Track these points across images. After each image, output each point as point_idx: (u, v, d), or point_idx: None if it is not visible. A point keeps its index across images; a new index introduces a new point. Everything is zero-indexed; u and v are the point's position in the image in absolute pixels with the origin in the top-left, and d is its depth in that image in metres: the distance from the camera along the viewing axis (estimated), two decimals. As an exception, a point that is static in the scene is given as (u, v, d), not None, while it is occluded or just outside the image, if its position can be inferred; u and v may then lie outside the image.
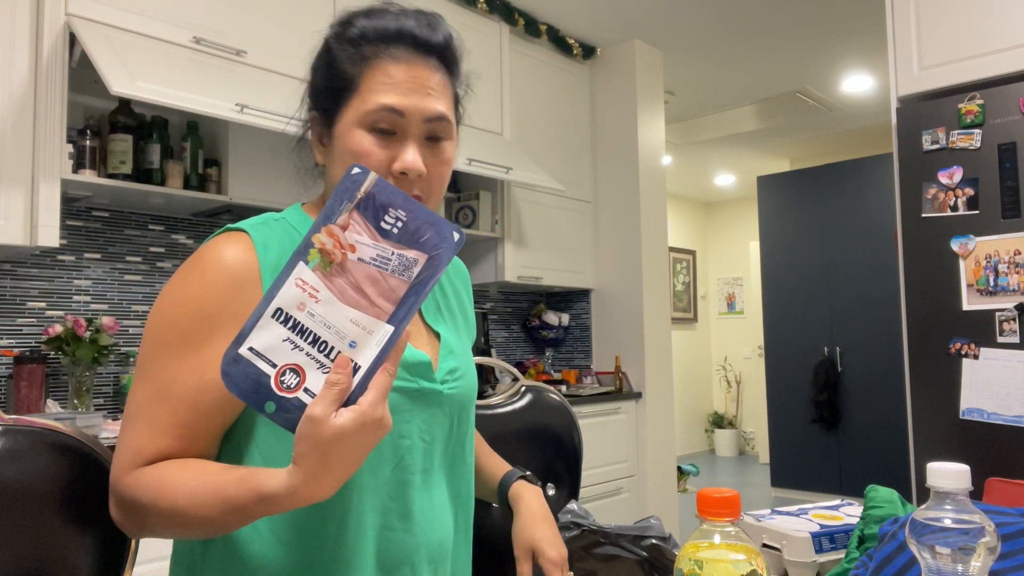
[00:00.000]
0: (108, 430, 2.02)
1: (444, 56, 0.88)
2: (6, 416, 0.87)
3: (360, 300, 0.66)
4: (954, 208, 2.28)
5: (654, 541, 1.03)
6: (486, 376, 3.31)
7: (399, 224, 0.66)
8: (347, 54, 0.85)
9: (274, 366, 0.65)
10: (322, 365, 0.65)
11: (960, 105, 2.28)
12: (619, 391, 3.66)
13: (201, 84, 2.16)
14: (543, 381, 2.62)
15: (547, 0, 3.48)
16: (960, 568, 0.61)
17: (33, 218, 2.02)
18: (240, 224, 0.86)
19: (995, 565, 0.68)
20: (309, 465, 0.64)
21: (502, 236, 3.45)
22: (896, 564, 0.79)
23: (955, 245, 2.27)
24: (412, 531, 0.87)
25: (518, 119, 3.53)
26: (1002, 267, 2.18)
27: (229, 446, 0.84)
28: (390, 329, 0.65)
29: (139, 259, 2.55)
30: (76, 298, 2.41)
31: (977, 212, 2.24)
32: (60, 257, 2.38)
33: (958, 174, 2.28)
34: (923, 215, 2.33)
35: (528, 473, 1.11)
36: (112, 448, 0.88)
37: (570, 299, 4.05)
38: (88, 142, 2.23)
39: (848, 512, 1.10)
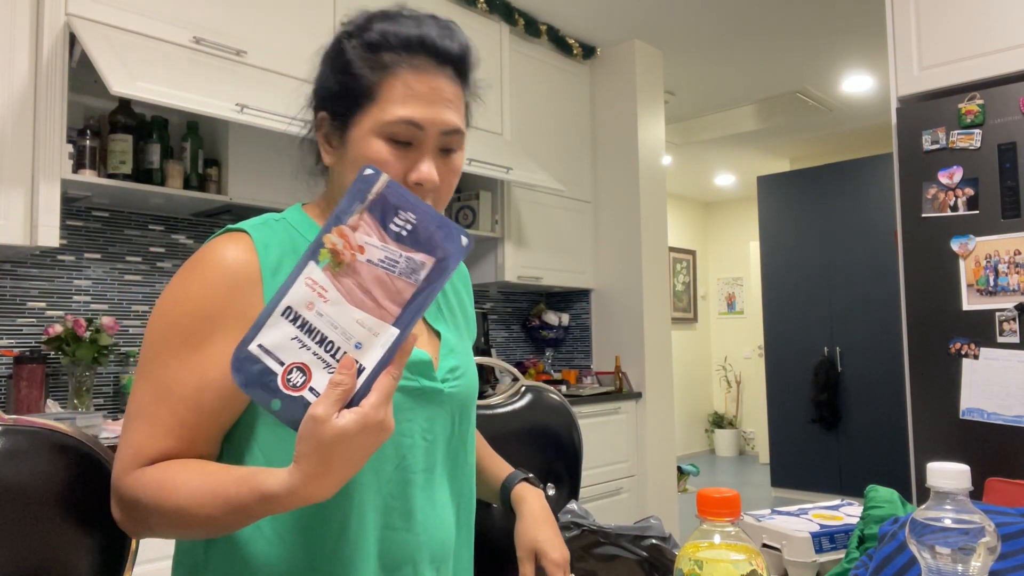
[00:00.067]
0: (108, 430, 2.02)
1: (460, 67, 0.88)
2: (6, 416, 0.87)
3: (367, 301, 0.66)
4: (954, 208, 2.28)
5: (654, 541, 1.03)
6: (486, 376, 3.31)
7: (408, 227, 0.66)
8: (364, 59, 0.84)
9: (281, 364, 0.65)
10: (328, 365, 0.66)
11: (960, 105, 2.28)
12: (619, 391, 3.66)
13: (201, 84, 2.16)
14: (543, 381, 2.63)
15: (547, 0, 3.48)
16: (960, 568, 0.61)
17: (33, 218, 2.02)
18: (241, 225, 0.86)
19: (995, 565, 0.68)
20: (310, 464, 0.64)
21: (502, 236, 3.45)
22: (896, 564, 0.79)
23: (955, 245, 2.27)
24: (414, 530, 0.87)
25: (518, 119, 3.53)
26: (1002, 267, 2.18)
27: (230, 446, 0.84)
28: (395, 332, 0.65)
29: (139, 259, 2.55)
30: (76, 298, 2.41)
31: (977, 212, 2.24)
32: (60, 257, 2.38)
33: (958, 174, 2.28)
34: (923, 215, 2.33)
35: (531, 475, 1.12)
36: (112, 448, 0.88)
37: (570, 299, 4.05)
38: (88, 142, 2.22)
39: (848, 512, 1.10)
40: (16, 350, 2.27)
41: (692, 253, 7.68)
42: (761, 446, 6.76)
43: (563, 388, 3.60)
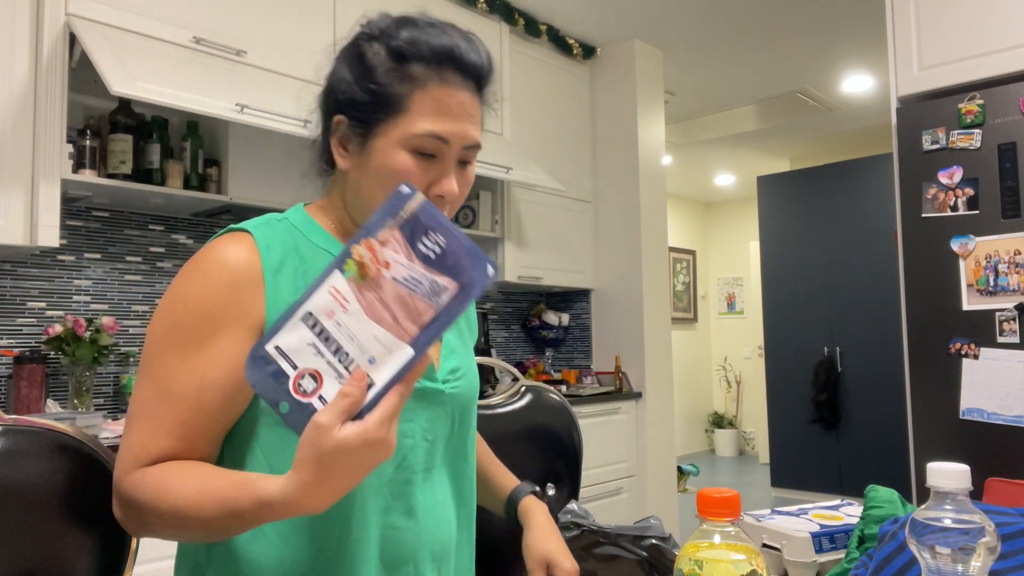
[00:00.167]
0: (108, 430, 2.02)
1: (482, 81, 0.88)
2: (6, 416, 0.87)
3: (386, 317, 0.66)
4: (954, 208, 2.28)
5: (654, 541, 1.03)
6: (486, 376, 3.31)
7: (437, 250, 0.66)
8: (392, 68, 0.83)
9: (295, 368, 0.66)
10: (340, 375, 0.66)
11: (960, 105, 2.28)
12: (619, 391, 3.66)
13: (201, 84, 2.16)
14: (543, 381, 2.62)
15: (547, 0, 3.48)
16: (960, 568, 0.61)
17: (33, 218, 2.02)
18: (243, 224, 0.86)
19: (995, 565, 0.68)
20: (307, 472, 0.64)
21: (502, 236, 3.45)
22: (896, 564, 0.79)
23: (955, 245, 2.27)
24: (416, 529, 0.87)
25: (518, 119, 3.53)
26: (1002, 267, 2.18)
27: (232, 446, 0.85)
28: (410, 352, 0.65)
29: (139, 259, 2.55)
30: (76, 298, 2.41)
31: (977, 212, 2.24)
32: (60, 257, 2.38)
33: (958, 174, 2.28)
34: (923, 215, 2.33)
35: (537, 488, 1.13)
36: (113, 448, 0.88)
37: (570, 299, 4.05)
38: (88, 142, 2.22)
39: (848, 512, 1.10)
40: (16, 350, 2.27)
41: (692, 253, 7.68)
42: (761, 446, 6.76)
43: (563, 388, 3.60)
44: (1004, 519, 0.78)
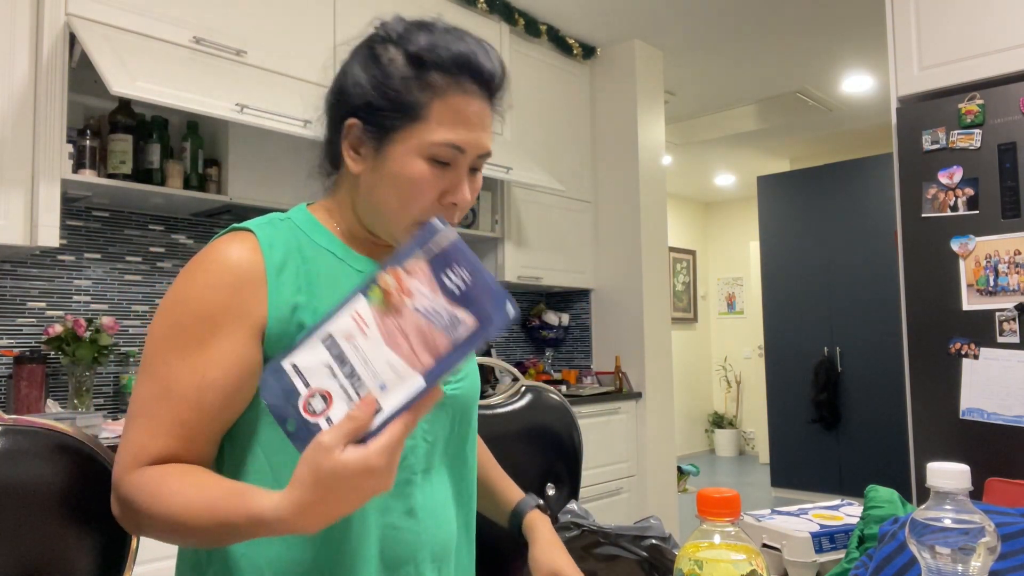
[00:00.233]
0: (108, 430, 2.02)
1: (496, 90, 0.88)
2: (6, 416, 0.87)
3: (403, 345, 0.66)
4: (954, 208, 2.28)
5: (654, 541, 1.03)
6: (486, 376, 3.31)
7: (462, 286, 0.66)
8: (411, 75, 0.82)
9: (307, 386, 0.67)
10: (350, 398, 0.66)
11: (960, 105, 2.28)
12: (619, 391, 3.66)
13: (201, 84, 2.16)
14: (543, 381, 2.62)
15: (547, 0, 3.48)
16: (960, 568, 0.61)
17: (33, 218, 2.02)
18: (246, 224, 0.86)
19: (995, 565, 0.68)
20: (303, 490, 0.64)
21: (502, 236, 3.45)
22: (896, 564, 0.79)
23: (955, 245, 2.27)
24: (416, 529, 0.87)
25: (518, 119, 3.53)
26: (1002, 267, 2.18)
27: (232, 446, 0.85)
28: (421, 383, 0.65)
29: (139, 259, 2.55)
30: (76, 298, 2.41)
31: (977, 212, 2.24)
32: (60, 257, 2.38)
33: (958, 174, 2.28)
34: (923, 215, 2.33)
35: (541, 502, 1.13)
36: (113, 448, 0.88)
37: (570, 299, 4.05)
38: (88, 142, 2.22)
39: (848, 512, 1.10)
40: (16, 350, 2.27)
41: (692, 253, 7.68)
42: (761, 446, 6.76)
43: (563, 388, 3.60)
44: (1004, 519, 0.78)
